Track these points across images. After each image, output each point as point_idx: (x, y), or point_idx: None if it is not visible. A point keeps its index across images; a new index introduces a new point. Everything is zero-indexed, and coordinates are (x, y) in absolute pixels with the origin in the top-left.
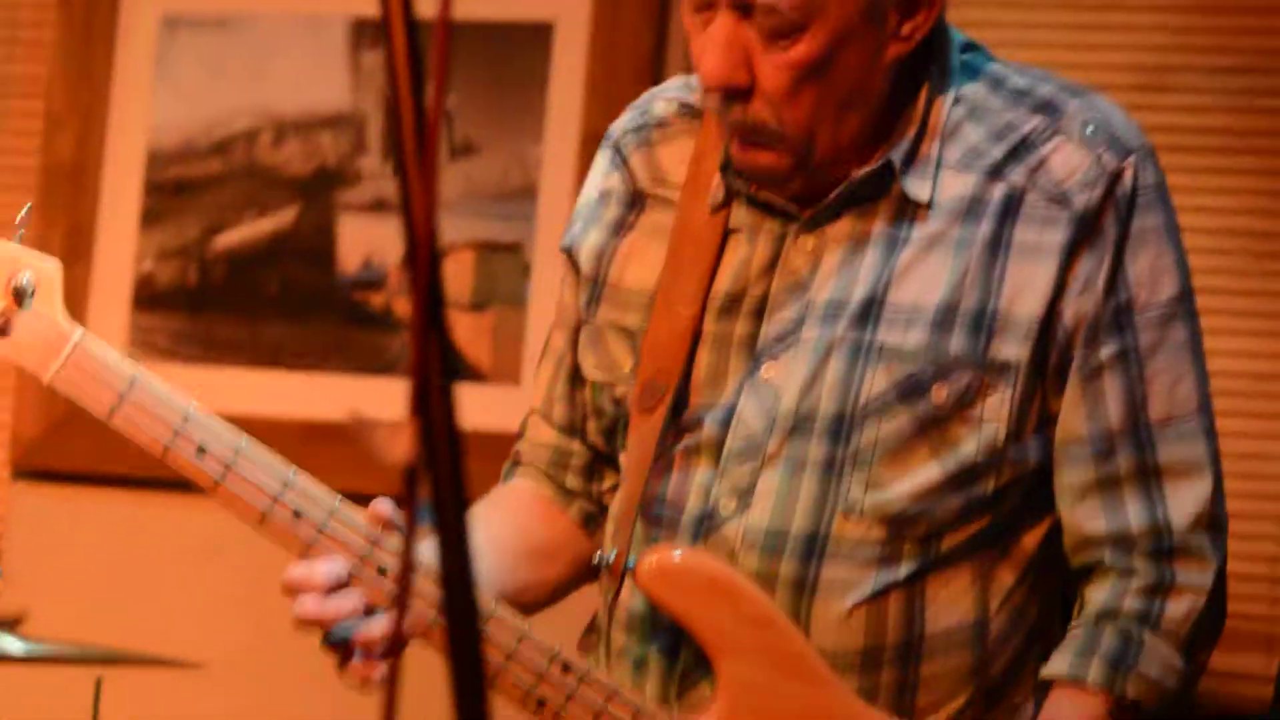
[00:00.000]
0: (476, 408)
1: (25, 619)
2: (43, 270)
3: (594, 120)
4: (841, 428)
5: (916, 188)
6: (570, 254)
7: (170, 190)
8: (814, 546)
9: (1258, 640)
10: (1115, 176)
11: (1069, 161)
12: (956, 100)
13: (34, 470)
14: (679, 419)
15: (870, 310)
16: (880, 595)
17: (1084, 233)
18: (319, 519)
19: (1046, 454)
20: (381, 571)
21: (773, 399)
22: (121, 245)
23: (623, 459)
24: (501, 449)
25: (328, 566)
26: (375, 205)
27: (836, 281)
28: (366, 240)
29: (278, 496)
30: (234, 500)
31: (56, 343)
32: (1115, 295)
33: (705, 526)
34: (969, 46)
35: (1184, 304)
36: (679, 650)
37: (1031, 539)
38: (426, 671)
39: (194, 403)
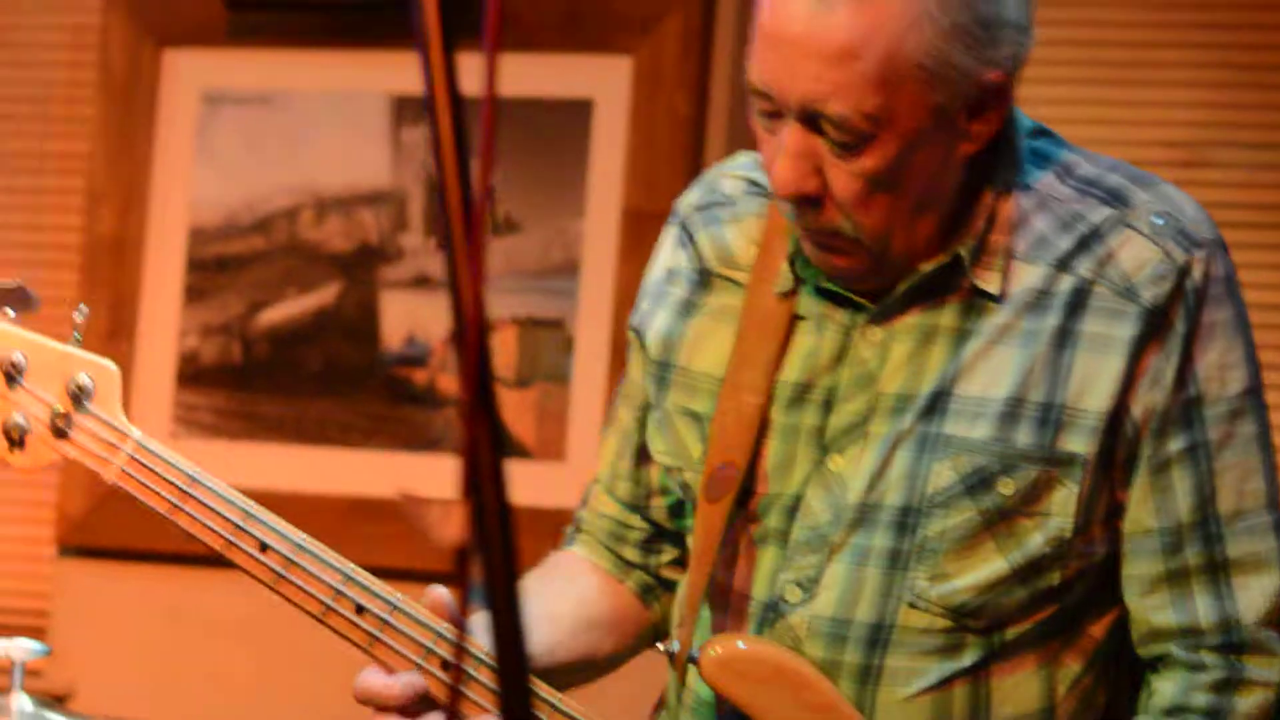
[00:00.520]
0: (521, 485)
1: (73, 695)
2: (100, 372)
3: (634, 195)
4: (907, 520)
5: (985, 280)
6: (638, 334)
7: (212, 267)
8: (879, 636)
9: None
10: (1184, 271)
11: (1138, 255)
12: (1025, 189)
13: (80, 547)
14: (746, 507)
15: (937, 403)
16: (945, 684)
17: (1153, 327)
18: (381, 614)
19: (1113, 546)
20: (446, 666)
21: (840, 490)
22: (165, 322)
23: (690, 545)
24: (547, 526)
25: (408, 680)
26: (417, 281)
27: (904, 374)
28: (409, 317)
29: (339, 592)
30: (295, 595)
31: (117, 442)
32: (1184, 390)
33: (771, 615)
34: (1040, 132)
35: (1253, 398)
36: None
37: (1099, 627)
38: None
39: (252, 501)
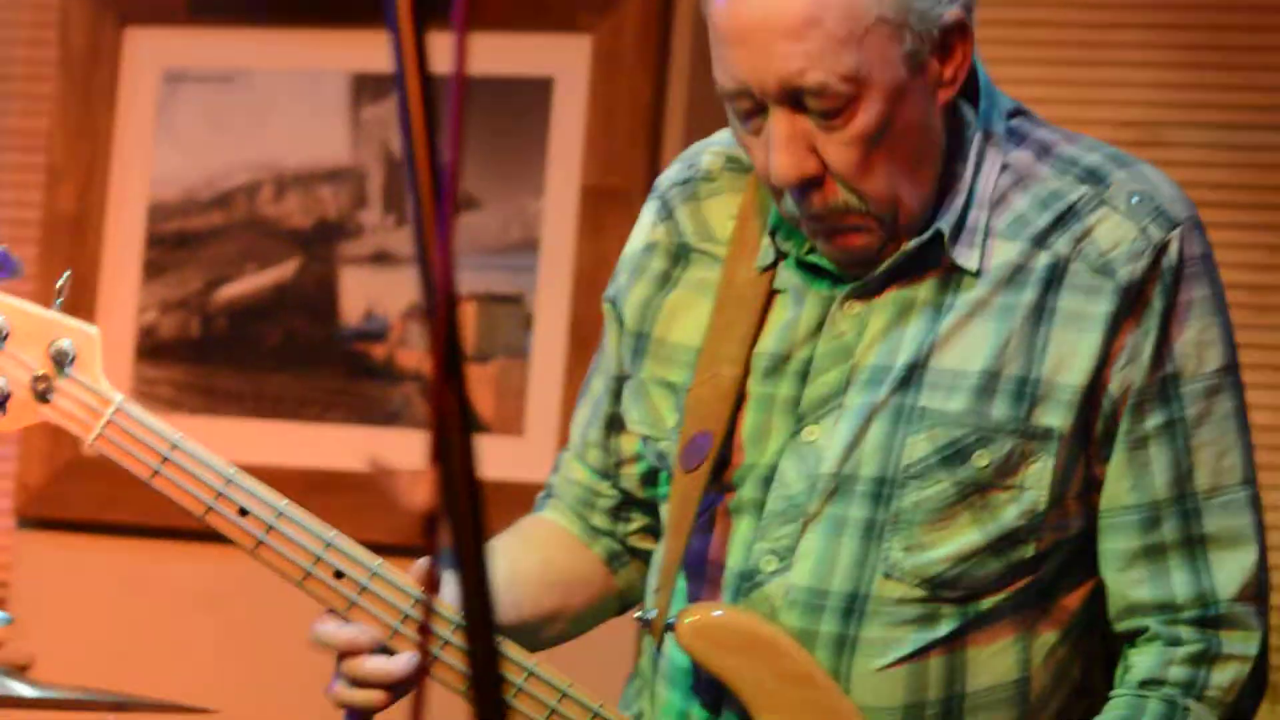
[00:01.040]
0: (479, 459)
1: (33, 665)
2: (82, 336)
3: (594, 174)
4: (882, 491)
5: (965, 256)
6: (614, 305)
7: (172, 243)
8: (854, 605)
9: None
10: (1161, 248)
11: (1114, 233)
12: (1004, 167)
13: (39, 519)
14: (721, 477)
15: (913, 375)
16: (920, 653)
17: (1129, 304)
18: (360, 579)
19: (1089, 520)
20: (424, 631)
21: (814, 461)
22: (124, 297)
23: (664, 515)
24: (506, 499)
25: (372, 634)
26: (376, 258)
27: (881, 347)
28: (367, 292)
29: (319, 557)
30: (276, 560)
31: (98, 407)
32: (1162, 366)
33: (746, 585)
34: (1017, 111)
35: (1230, 375)
36: (721, 706)
37: (1074, 598)
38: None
39: (234, 466)
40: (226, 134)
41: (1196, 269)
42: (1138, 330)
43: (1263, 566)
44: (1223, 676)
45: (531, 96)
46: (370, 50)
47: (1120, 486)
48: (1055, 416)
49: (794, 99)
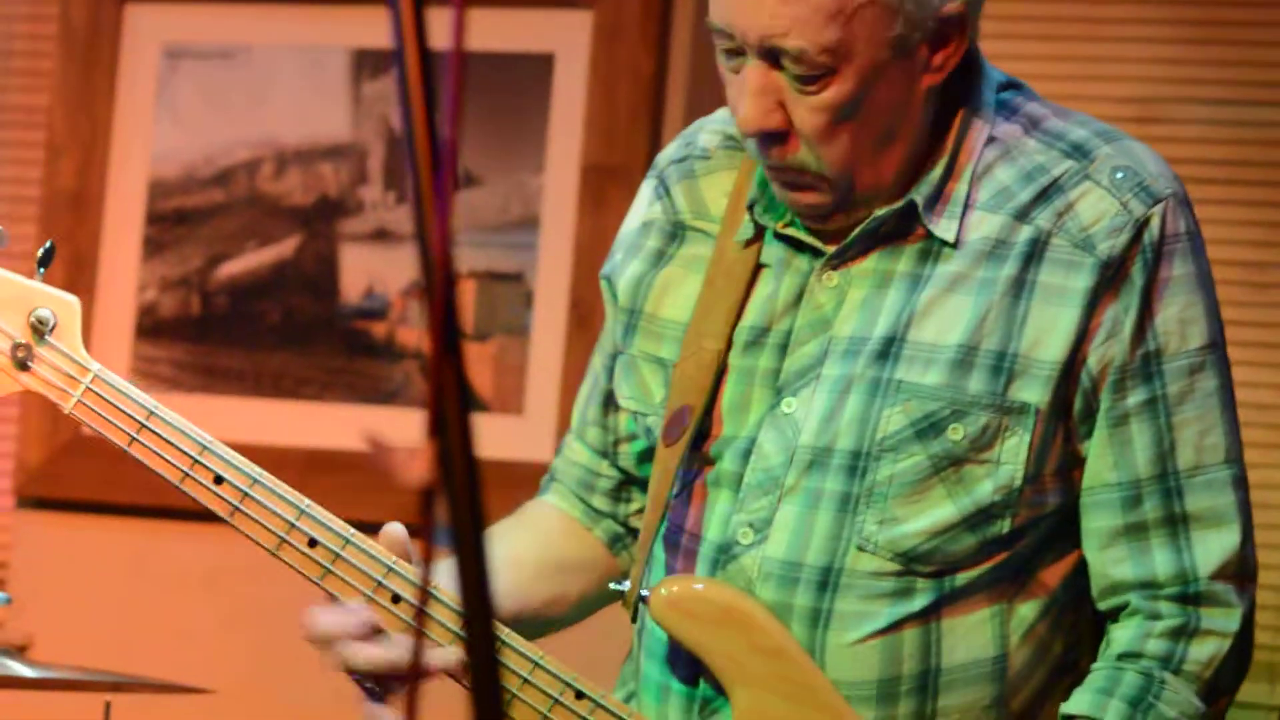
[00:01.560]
0: (478, 437)
1: (32, 645)
2: (62, 305)
3: (594, 151)
4: (858, 463)
5: (942, 227)
6: (610, 282)
7: (172, 220)
8: (829, 578)
9: (1261, 670)
10: (1142, 224)
11: (1096, 207)
12: (990, 140)
13: (39, 498)
14: (700, 450)
15: (890, 348)
16: (894, 627)
17: (1109, 279)
18: (334, 547)
19: (1066, 496)
20: (395, 600)
21: (792, 433)
22: (124, 275)
23: (649, 489)
24: (505, 478)
25: (362, 615)
26: (377, 235)
27: (859, 318)
28: (368, 270)
29: (293, 525)
30: (250, 528)
31: (76, 375)
32: (1144, 343)
33: (724, 556)
34: (1010, 85)
35: (1214, 353)
36: (698, 679)
37: (1053, 574)
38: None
39: (210, 435)
40: (227, 110)
41: (1179, 245)
42: (1117, 305)
43: (1246, 545)
44: (1201, 651)
45: (532, 72)
46: (370, 26)
47: (1102, 464)
48: (1033, 391)
49: (772, 56)
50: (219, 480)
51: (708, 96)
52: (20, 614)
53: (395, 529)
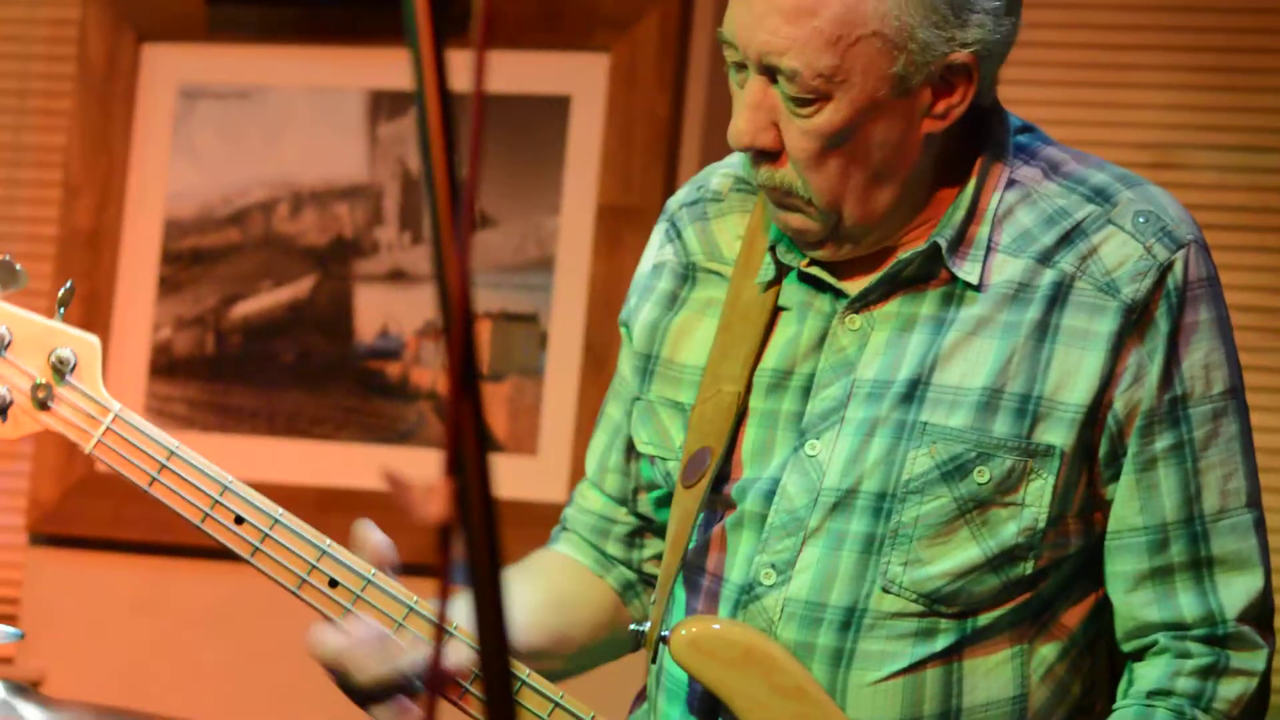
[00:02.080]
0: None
1: (43, 680)
2: (83, 345)
3: (610, 192)
4: (883, 505)
5: (965, 270)
6: (626, 328)
7: (187, 259)
8: (852, 619)
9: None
10: (1166, 268)
11: (1120, 251)
12: (1010, 183)
13: (51, 535)
14: (722, 492)
15: (915, 390)
16: (916, 667)
17: (1133, 323)
18: (354, 588)
19: (1088, 538)
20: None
21: (816, 475)
22: (139, 314)
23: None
24: (519, 518)
25: (365, 629)
26: (392, 275)
27: (882, 361)
28: (382, 310)
29: (314, 565)
30: (271, 568)
31: (97, 415)
32: (1170, 388)
33: (745, 598)
34: (1025, 129)
35: (1236, 398)
36: (717, 719)
37: (1074, 616)
38: None
39: (230, 475)
40: (243, 150)
41: (1203, 290)
42: (1142, 350)
43: (1268, 589)
44: (1230, 690)
45: (548, 114)
46: (387, 67)
47: (1129, 508)
48: (1057, 434)
49: (770, 73)
50: (239, 520)
51: (722, 139)
52: (32, 650)
53: (365, 526)
